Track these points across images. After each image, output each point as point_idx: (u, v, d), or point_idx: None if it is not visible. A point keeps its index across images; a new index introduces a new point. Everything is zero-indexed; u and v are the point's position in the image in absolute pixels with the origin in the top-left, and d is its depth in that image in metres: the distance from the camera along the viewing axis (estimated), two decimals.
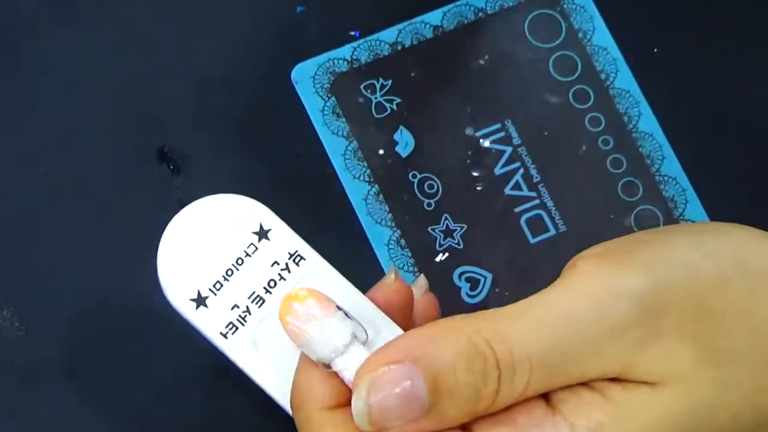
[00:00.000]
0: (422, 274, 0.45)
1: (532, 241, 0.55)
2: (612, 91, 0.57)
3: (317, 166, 0.56)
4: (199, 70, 0.57)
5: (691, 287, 0.37)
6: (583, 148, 0.57)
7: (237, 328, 0.42)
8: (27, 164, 0.55)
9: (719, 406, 0.37)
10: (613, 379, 0.37)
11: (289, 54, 0.57)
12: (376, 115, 0.56)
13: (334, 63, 0.57)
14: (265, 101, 0.57)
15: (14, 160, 0.55)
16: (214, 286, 0.42)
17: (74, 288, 0.54)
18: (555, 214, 0.56)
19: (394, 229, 0.55)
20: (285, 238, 0.43)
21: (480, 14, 0.58)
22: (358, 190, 0.55)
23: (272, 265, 0.42)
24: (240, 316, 0.42)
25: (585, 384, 0.37)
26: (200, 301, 0.42)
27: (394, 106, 0.57)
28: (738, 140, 0.57)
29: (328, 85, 0.57)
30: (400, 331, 0.40)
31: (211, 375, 0.53)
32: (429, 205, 0.56)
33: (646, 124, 0.57)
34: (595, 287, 0.36)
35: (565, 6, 0.58)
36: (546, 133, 0.57)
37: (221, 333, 0.42)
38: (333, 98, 0.56)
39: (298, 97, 0.56)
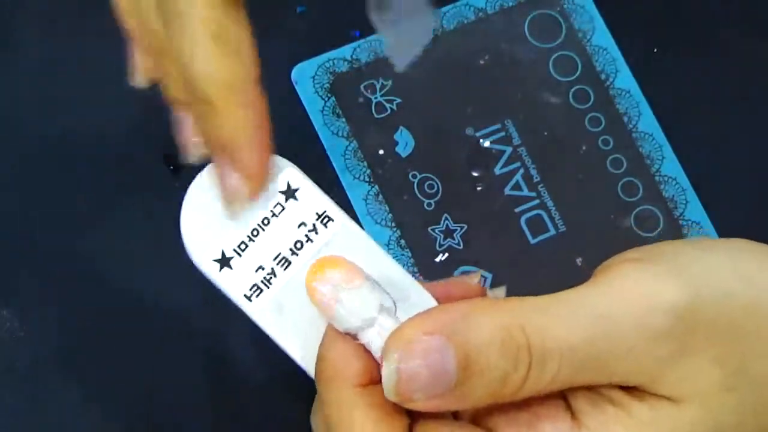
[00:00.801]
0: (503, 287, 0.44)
1: (532, 241, 0.55)
2: (612, 91, 0.57)
3: (317, 166, 0.56)
4: None
5: (726, 309, 0.37)
6: (583, 148, 0.57)
7: (261, 291, 0.40)
8: (27, 164, 0.55)
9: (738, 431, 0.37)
10: (633, 391, 0.37)
11: (289, 54, 0.57)
12: (376, 115, 0.56)
13: (334, 63, 0.57)
14: (264, 101, 0.56)
15: (14, 160, 0.55)
16: (238, 246, 0.40)
17: (74, 288, 0.54)
18: (555, 214, 0.56)
19: (394, 229, 0.55)
20: (313, 198, 0.41)
21: (480, 14, 0.58)
22: (358, 190, 0.55)
23: (299, 227, 0.40)
24: (265, 278, 0.40)
25: (607, 397, 0.37)
26: (224, 261, 0.40)
27: (394, 106, 0.57)
28: (738, 140, 0.57)
29: (328, 85, 0.57)
30: (429, 297, 0.39)
31: (211, 374, 0.53)
32: (429, 205, 0.56)
33: (646, 124, 0.57)
34: (633, 293, 0.36)
35: (565, 6, 0.58)
36: (546, 133, 0.57)
37: (245, 295, 0.40)
38: (333, 98, 0.56)
39: (298, 97, 0.56)
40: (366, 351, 0.38)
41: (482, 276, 0.46)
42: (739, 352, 0.37)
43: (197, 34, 0.39)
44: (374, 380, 0.38)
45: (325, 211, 0.41)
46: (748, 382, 0.37)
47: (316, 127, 0.56)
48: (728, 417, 0.37)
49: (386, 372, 0.35)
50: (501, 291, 0.42)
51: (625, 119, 0.57)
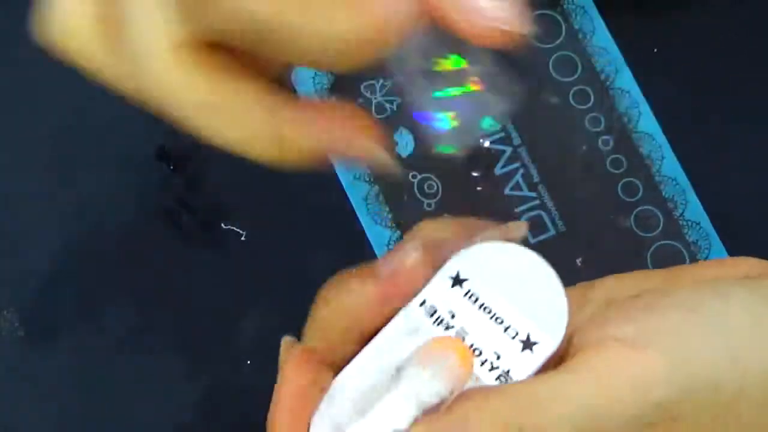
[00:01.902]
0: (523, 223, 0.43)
1: (532, 241, 0.55)
2: (612, 91, 0.57)
3: (317, 166, 0.56)
4: None
5: (714, 398, 0.37)
6: (583, 148, 0.57)
7: None
8: (27, 164, 0.55)
9: None
10: None
11: None
12: (376, 116, 0.56)
13: None
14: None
15: (14, 159, 0.55)
16: None
17: (74, 288, 0.54)
18: (555, 214, 0.56)
19: (394, 229, 0.55)
20: None
21: None
22: (358, 190, 0.55)
23: None
24: None
25: None
26: None
27: (394, 107, 0.57)
28: (738, 140, 0.57)
29: (328, 86, 0.57)
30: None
31: (211, 375, 0.53)
32: (429, 205, 0.56)
33: (646, 124, 0.57)
34: (622, 386, 0.37)
35: (565, 6, 0.58)
36: (546, 134, 0.56)
37: None
38: (333, 98, 0.56)
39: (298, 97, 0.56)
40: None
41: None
42: None
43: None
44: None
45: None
46: None
47: None
48: None
49: None
50: (522, 225, 0.41)
51: (625, 119, 0.57)
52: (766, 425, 0.38)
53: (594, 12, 0.58)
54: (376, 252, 0.55)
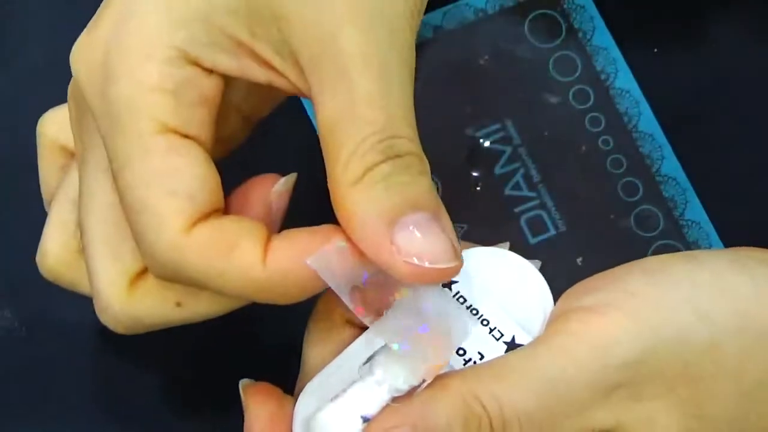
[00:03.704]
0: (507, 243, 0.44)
1: (532, 241, 0.55)
2: (612, 91, 0.57)
3: (317, 166, 0.56)
4: None
5: (681, 354, 0.37)
6: (583, 148, 0.57)
7: None
8: (27, 164, 0.55)
9: None
10: None
11: None
12: None
13: None
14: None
15: (14, 159, 0.55)
16: None
17: None
18: (555, 214, 0.56)
19: None
20: None
21: (480, 14, 0.58)
22: None
23: None
24: None
25: None
26: None
27: None
28: (738, 140, 0.57)
29: None
30: None
31: (210, 376, 0.53)
32: None
33: (646, 124, 0.57)
34: (583, 351, 0.37)
35: (565, 6, 0.58)
36: (546, 133, 0.57)
37: None
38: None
39: (298, 97, 0.56)
40: None
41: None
42: (696, 395, 0.38)
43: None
44: None
45: None
46: (707, 424, 0.38)
47: (316, 128, 0.56)
48: None
49: None
50: (504, 245, 0.42)
51: (625, 119, 0.57)
52: (749, 375, 0.38)
53: (594, 12, 0.58)
54: None
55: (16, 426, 0.52)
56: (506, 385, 0.37)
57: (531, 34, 0.58)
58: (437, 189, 0.56)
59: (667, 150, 0.56)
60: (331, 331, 0.41)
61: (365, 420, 0.37)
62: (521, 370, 0.37)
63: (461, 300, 0.39)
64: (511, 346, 0.39)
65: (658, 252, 0.55)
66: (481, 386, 0.37)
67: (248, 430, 0.42)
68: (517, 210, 0.55)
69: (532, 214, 0.56)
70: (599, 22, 0.58)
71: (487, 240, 0.55)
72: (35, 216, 0.55)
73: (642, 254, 0.55)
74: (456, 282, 0.39)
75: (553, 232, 0.55)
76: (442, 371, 0.37)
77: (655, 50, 0.58)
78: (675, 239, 0.55)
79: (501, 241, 0.44)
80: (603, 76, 0.57)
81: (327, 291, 0.40)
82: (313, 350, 0.41)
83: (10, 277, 0.54)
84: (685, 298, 0.38)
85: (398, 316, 0.38)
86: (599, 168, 0.56)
